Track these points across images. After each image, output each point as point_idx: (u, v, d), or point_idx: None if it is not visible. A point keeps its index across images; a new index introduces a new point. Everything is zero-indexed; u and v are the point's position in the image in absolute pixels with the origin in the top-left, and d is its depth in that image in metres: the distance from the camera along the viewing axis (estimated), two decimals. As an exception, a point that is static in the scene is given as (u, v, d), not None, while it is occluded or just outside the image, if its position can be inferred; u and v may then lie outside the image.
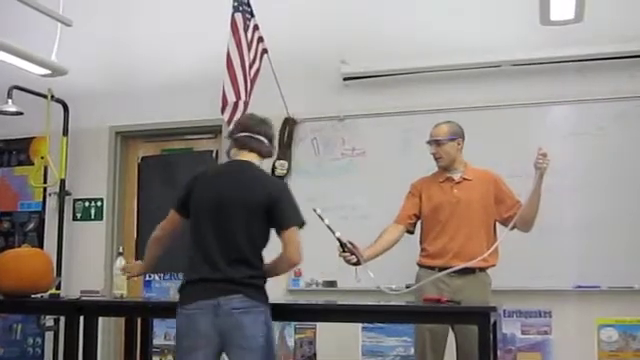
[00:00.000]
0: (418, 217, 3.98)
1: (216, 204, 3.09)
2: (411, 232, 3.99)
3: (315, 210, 3.34)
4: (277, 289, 5.09)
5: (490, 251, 3.68)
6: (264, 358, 3.00)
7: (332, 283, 5.12)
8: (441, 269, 3.75)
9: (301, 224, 3.12)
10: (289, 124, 5.38)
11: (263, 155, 3.26)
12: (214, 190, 3.13)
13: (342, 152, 5.29)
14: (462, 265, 3.63)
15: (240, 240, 3.04)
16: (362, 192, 5.10)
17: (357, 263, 3.63)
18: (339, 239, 3.54)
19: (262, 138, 3.25)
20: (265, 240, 3.15)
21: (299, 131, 5.40)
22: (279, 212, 3.08)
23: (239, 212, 3.06)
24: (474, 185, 3.90)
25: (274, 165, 5.31)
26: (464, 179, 3.93)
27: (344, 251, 3.60)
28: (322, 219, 3.37)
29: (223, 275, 3.00)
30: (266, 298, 3.09)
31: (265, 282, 3.13)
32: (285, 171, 5.31)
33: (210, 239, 3.06)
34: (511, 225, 3.69)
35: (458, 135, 3.93)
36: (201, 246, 3.08)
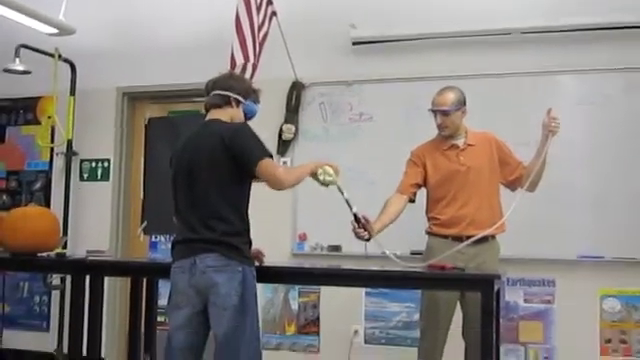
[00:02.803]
0: (420, 186, 3.95)
1: (186, 171, 3.15)
2: (413, 201, 3.95)
3: (336, 183, 3.32)
4: (281, 253, 5.13)
5: (507, 215, 3.64)
6: (237, 317, 3.00)
7: (337, 248, 5.13)
8: (454, 237, 3.75)
9: (268, 156, 3.09)
10: (297, 88, 5.35)
11: (221, 105, 3.24)
12: (184, 158, 3.18)
13: (349, 117, 5.27)
14: (485, 232, 3.62)
15: (213, 200, 3.06)
16: (369, 157, 5.09)
17: (368, 239, 3.62)
18: (355, 214, 3.51)
19: (218, 92, 3.24)
20: (242, 193, 3.14)
21: (307, 95, 5.38)
22: (240, 154, 3.05)
23: (206, 172, 3.08)
24: (478, 150, 3.88)
25: (281, 129, 5.30)
26: (468, 145, 3.90)
27: (359, 227, 3.58)
28: (342, 192, 3.34)
29: (199, 236, 3.05)
30: (245, 258, 3.08)
31: (246, 242, 3.13)
32: (292, 135, 5.30)
33: (186, 205, 3.13)
34: (526, 186, 3.68)
35: (462, 103, 3.89)
36: (180, 212, 3.16)
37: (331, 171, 3.27)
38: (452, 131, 3.89)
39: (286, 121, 5.33)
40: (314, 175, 3.28)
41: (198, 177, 3.11)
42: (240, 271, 3.03)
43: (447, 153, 3.91)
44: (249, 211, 3.20)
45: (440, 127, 3.89)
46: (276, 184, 3.07)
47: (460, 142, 3.92)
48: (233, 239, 3.05)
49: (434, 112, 3.88)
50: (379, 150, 5.06)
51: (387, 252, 3.55)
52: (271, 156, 3.12)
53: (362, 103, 5.24)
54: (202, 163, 3.10)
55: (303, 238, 5.28)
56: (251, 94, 3.32)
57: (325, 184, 3.28)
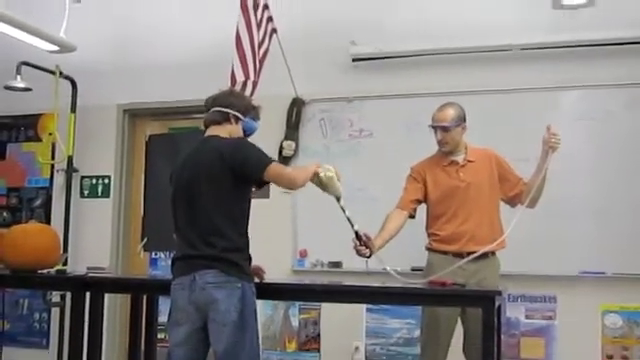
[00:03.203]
0: (420, 202, 3.95)
1: (186, 187, 3.16)
2: (413, 217, 3.95)
3: (338, 201, 3.34)
4: (282, 269, 5.13)
5: (508, 232, 3.64)
6: (237, 333, 3.00)
7: (337, 264, 5.13)
8: (455, 254, 3.75)
9: (271, 161, 3.12)
10: (297, 105, 5.37)
11: (220, 122, 3.26)
12: (183, 174, 3.19)
13: (350, 133, 5.28)
14: (486, 248, 3.63)
15: (213, 216, 3.07)
16: (370, 174, 5.10)
17: (369, 256, 3.62)
18: (357, 232, 3.52)
19: (218, 108, 3.26)
20: (241, 209, 3.16)
21: (307, 112, 5.39)
22: (243, 165, 3.08)
23: (206, 188, 3.09)
24: (478, 167, 3.89)
25: (281, 145, 5.32)
26: (468, 161, 3.91)
27: (360, 244, 3.58)
28: (344, 211, 3.37)
29: (199, 252, 3.06)
30: (245, 274, 3.09)
31: (246, 258, 3.14)
32: (292, 152, 5.32)
33: (185, 222, 3.14)
34: (526, 202, 3.70)
35: (462, 119, 3.90)
36: (179, 229, 3.17)
37: (331, 167, 3.29)
38: (452, 147, 3.89)
39: (286, 137, 5.35)
40: (316, 177, 3.26)
41: (197, 193, 3.11)
42: (239, 287, 3.03)
43: (447, 169, 3.91)
44: (249, 227, 3.21)
45: (440, 143, 3.90)
46: (290, 183, 3.17)
47: (460, 158, 3.92)
48: (233, 255, 3.06)
49: (434, 128, 3.89)
50: (379, 166, 5.07)
51: (388, 268, 3.56)
52: (275, 161, 3.17)
53: (362, 119, 5.26)
54: (201, 179, 3.11)
55: (304, 254, 5.28)
56: (250, 111, 3.34)
57: (326, 184, 3.24)
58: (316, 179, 3.24)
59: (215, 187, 3.08)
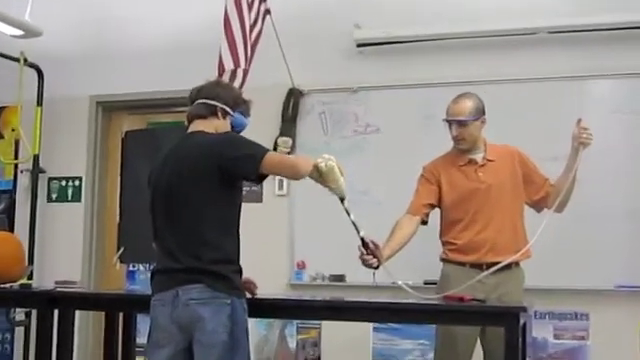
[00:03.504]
0: (434, 206, 3.96)
1: (166, 190, 3.15)
2: (425, 223, 3.95)
3: (342, 203, 3.31)
4: (277, 283, 5.13)
5: (534, 240, 3.64)
6: (226, 356, 2.98)
7: (340, 277, 5.14)
8: (473, 265, 3.76)
9: (267, 150, 3.11)
10: (294, 96, 5.38)
11: (206, 116, 3.26)
12: (163, 175, 3.18)
13: (354, 129, 5.30)
14: (509, 260, 3.63)
15: (198, 222, 3.06)
16: (376, 174, 5.12)
17: (377, 267, 3.61)
18: (363, 239, 3.50)
19: (203, 101, 3.26)
20: (230, 214, 3.15)
21: (305, 104, 5.41)
22: (236, 160, 3.05)
23: (189, 190, 3.08)
24: (500, 166, 3.89)
25: (276, 142, 5.32)
26: (488, 160, 3.91)
27: (367, 253, 3.57)
28: (348, 214, 3.33)
29: (182, 264, 3.05)
30: (235, 289, 3.08)
31: (236, 270, 3.13)
32: (288, 149, 5.32)
33: (166, 229, 3.13)
34: (554, 206, 3.70)
35: (481, 112, 3.89)
36: (160, 237, 3.17)
37: (333, 157, 3.23)
38: (470, 144, 3.90)
39: (282, 133, 5.36)
40: (315, 169, 3.21)
41: (180, 197, 3.11)
42: (229, 304, 3.03)
43: (464, 169, 3.91)
44: (239, 235, 3.21)
45: (456, 139, 3.89)
46: (293, 171, 3.14)
47: (479, 157, 3.92)
48: (221, 267, 3.05)
49: (449, 123, 3.88)
50: (387, 166, 5.09)
51: (398, 282, 3.55)
52: (270, 150, 3.15)
53: (368, 113, 5.27)
54: (184, 180, 3.10)
55: (302, 266, 5.30)
56: (240, 105, 3.34)
57: (326, 174, 3.16)
58: (315, 173, 3.18)
59: (200, 189, 3.08)
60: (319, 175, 3.14)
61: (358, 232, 3.45)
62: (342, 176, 3.19)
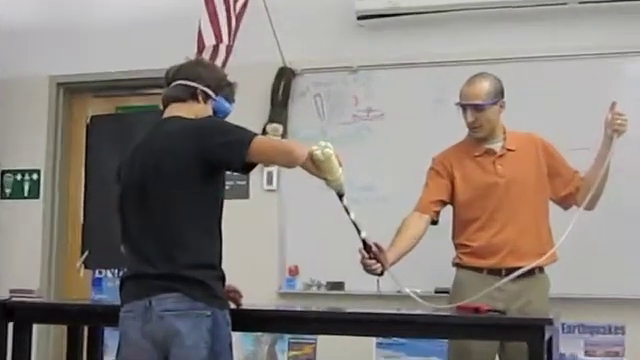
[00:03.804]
0: (446, 203, 3.96)
1: (138, 184, 3.14)
2: (436, 223, 3.95)
3: (341, 199, 3.29)
4: (266, 291, 5.14)
5: (561, 242, 3.64)
6: None
7: (338, 285, 5.15)
8: (491, 271, 3.77)
9: (254, 135, 3.09)
10: (285, 76, 5.38)
11: (184, 99, 3.26)
12: (135, 167, 3.18)
13: (354, 114, 5.32)
14: (532, 264, 3.65)
15: (174, 221, 3.06)
16: (380, 167, 5.13)
17: (380, 273, 3.60)
18: (364, 240, 3.47)
19: (182, 82, 3.26)
20: (211, 212, 3.15)
21: (298, 85, 5.42)
22: (218, 149, 3.03)
23: (165, 185, 3.07)
24: (521, 157, 3.89)
25: (264, 130, 5.32)
26: (508, 150, 3.91)
27: (370, 257, 3.55)
28: (348, 212, 3.31)
29: (156, 269, 3.04)
30: (216, 298, 3.08)
31: (218, 277, 3.13)
32: (279, 138, 5.31)
33: (138, 230, 3.13)
34: (584, 203, 3.71)
35: (500, 94, 3.89)
36: (130, 239, 3.17)
37: (330, 144, 3.19)
38: (487, 131, 3.89)
39: (271, 120, 5.36)
40: (309, 159, 3.18)
41: (153, 192, 3.10)
42: (209, 315, 3.03)
43: (481, 160, 3.91)
44: (222, 236, 3.21)
45: (471, 126, 3.89)
46: (288, 156, 3.07)
47: (497, 146, 3.92)
48: (200, 273, 3.05)
49: (463, 107, 3.88)
50: (393, 157, 5.11)
51: (406, 290, 3.56)
52: (258, 134, 3.12)
53: (370, 96, 5.28)
54: (159, 173, 3.10)
55: (294, 272, 5.31)
56: (224, 87, 3.33)
57: (323, 162, 3.13)
58: (309, 163, 3.14)
59: (178, 183, 3.07)
60: (314, 165, 3.10)
61: (359, 233, 3.42)
62: (341, 167, 3.16)
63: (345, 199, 3.25)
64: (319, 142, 3.10)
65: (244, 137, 3.03)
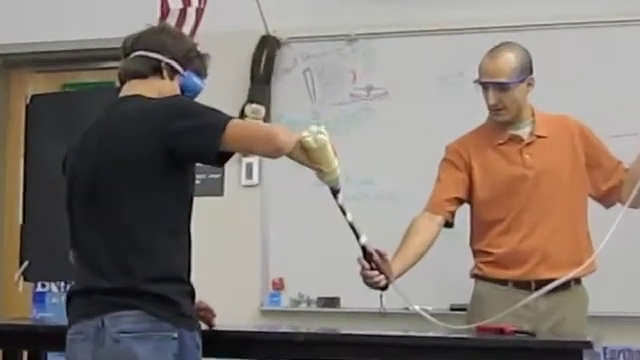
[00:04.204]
0: (462, 202, 3.95)
1: (89, 179, 3.12)
2: (450, 225, 3.94)
3: (336, 197, 3.26)
4: (245, 309, 5.14)
5: (601, 247, 3.62)
6: None
7: (332, 301, 5.15)
8: (518, 283, 3.77)
9: (230, 119, 3.06)
10: (268, 47, 5.38)
11: (146, 74, 3.25)
12: (84, 158, 3.16)
13: (352, 93, 5.32)
14: (568, 276, 3.64)
15: (133, 224, 3.04)
16: (383, 157, 5.13)
17: (384, 287, 3.59)
18: (364, 247, 3.44)
19: (142, 53, 3.25)
20: (178, 213, 3.12)
21: (284, 58, 5.42)
22: (185, 135, 3.01)
23: (121, 180, 3.06)
24: (553, 144, 3.88)
25: (243, 112, 5.31)
26: (537, 137, 3.89)
27: (371, 267, 3.52)
28: (344, 212, 3.29)
29: (110, 283, 3.02)
30: (183, 317, 3.07)
31: (186, 291, 3.12)
32: (260, 121, 5.30)
33: (88, 235, 3.11)
34: (630, 200, 3.68)
35: (528, 69, 3.87)
36: (80, 246, 3.16)
37: (323, 130, 3.15)
38: (512, 114, 3.87)
39: (250, 100, 5.36)
40: (298, 147, 3.15)
41: (108, 188, 3.08)
42: (176, 338, 3.02)
43: (505, 150, 3.90)
44: (191, 242, 3.21)
45: (494, 109, 3.87)
46: (271, 143, 3.00)
47: (524, 132, 3.91)
48: (164, 287, 3.04)
49: (484, 86, 3.87)
50: (398, 145, 5.11)
51: (415, 307, 3.55)
52: (235, 117, 3.09)
53: (371, 70, 5.30)
54: (115, 165, 3.08)
55: (279, 286, 5.31)
56: (194, 60, 3.32)
57: (315, 150, 3.10)
58: (298, 152, 3.11)
59: (137, 177, 3.06)
60: (305, 155, 3.07)
61: (358, 238, 3.40)
62: (336, 156, 3.13)
63: (341, 196, 3.24)
64: (311, 127, 3.07)
65: (217, 121, 3.00)
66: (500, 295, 3.78)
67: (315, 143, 3.01)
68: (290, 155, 3.04)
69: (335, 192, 3.21)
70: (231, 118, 3.01)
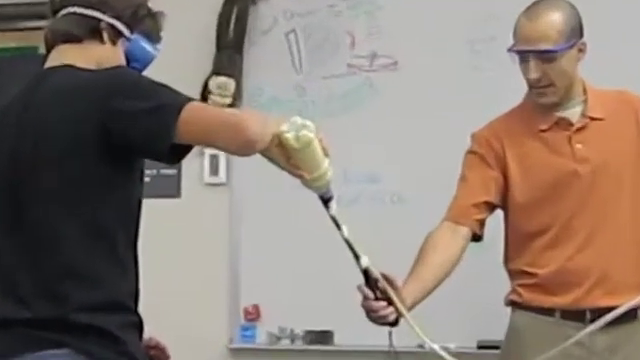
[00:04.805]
0: (494, 207, 3.92)
1: (6, 177, 3.11)
2: (479, 238, 3.91)
3: (327, 206, 3.21)
4: (210, 345, 5.16)
5: None
6: None
7: (324, 336, 5.16)
8: (568, 313, 3.77)
9: (187, 101, 3.02)
10: (239, 2, 5.39)
11: (80, 38, 3.25)
12: (1, 148, 3.16)
13: (350, 62, 5.35)
14: (632, 303, 3.62)
15: (63, 237, 3.05)
16: (391, 147, 5.15)
17: (394, 322, 3.52)
18: (366, 272, 3.37)
19: (76, 10, 3.25)
20: (124, 210, 3.14)
21: (261, 17, 5.44)
22: (130, 121, 3.01)
23: (48, 178, 3.07)
24: (612, 129, 3.86)
25: (206, 86, 5.33)
26: (591, 119, 3.88)
27: (375, 297, 3.43)
28: (338, 226, 3.24)
29: (35, 313, 3.03)
30: (128, 356, 3.09)
31: (132, 323, 3.12)
32: (229, 99, 5.34)
33: (8, 251, 3.10)
34: None
35: (578, 32, 3.86)
36: None
37: (308, 123, 3.10)
38: (561, 93, 3.87)
39: (216, 71, 5.37)
40: (274, 142, 3.12)
41: (28, 186, 3.08)
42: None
43: (549, 138, 3.89)
44: (138, 258, 3.22)
45: (536, 85, 3.85)
46: (238, 135, 2.95)
47: (574, 113, 3.90)
48: (103, 318, 3.04)
49: (522, 55, 3.87)
50: (410, 131, 5.12)
51: (434, 346, 3.55)
52: (195, 100, 3.06)
53: (375, 33, 5.32)
54: (39, 157, 3.09)
55: (253, 316, 5.33)
56: (143, 21, 3.34)
57: (297, 150, 3.08)
58: (275, 150, 3.08)
59: (67, 179, 3.06)
60: (283, 154, 3.04)
61: (357, 259, 3.33)
62: (327, 156, 3.09)
63: (334, 205, 3.19)
64: (293, 118, 2.99)
65: (171, 103, 2.95)
66: (545, 329, 3.77)
67: (297, 142, 2.95)
68: (264, 153, 2.99)
69: (326, 201, 3.15)
70: (190, 100, 2.94)
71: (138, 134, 2.94)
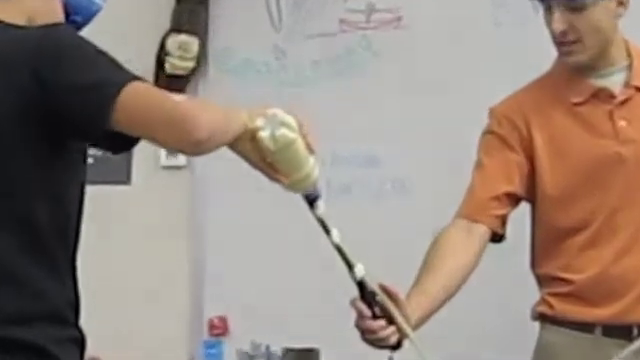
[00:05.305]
0: (519, 199, 3.92)
1: None
2: (499, 238, 3.90)
3: (312, 206, 3.18)
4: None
5: None
6: None
7: (308, 355, 5.20)
8: (610, 329, 3.79)
9: (132, 79, 2.98)
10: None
11: None
12: None
13: (342, 17, 5.39)
14: None
15: None
16: (393, 123, 5.18)
17: (396, 345, 3.46)
18: (361, 284, 3.33)
19: None
20: (62, 201, 3.16)
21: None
22: (65, 96, 3.02)
23: None
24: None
25: (163, 47, 5.35)
26: (637, 89, 3.89)
27: (373, 314, 3.37)
28: (327, 230, 3.22)
29: None
30: None
31: (72, 338, 3.15)
32: (191, 63, 5.37)
33: None
34: None
35: None
36: None
37: (289, 118, 3.07)
38: (593, 52, 3.85)
39: (176, 28, 5.40)
40: (246, 138, 3.12)
41: None
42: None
43: (585, 113, 3.89)
44: (77, 260, 3.25)
45: (561, 40, 3.82)
46: (186, 129, 2.87)
47: (616, 82, 3.90)
48: (36, 331, 3.09)
49: (547, 4, 3.86)
50: (417, 104, 5.16)
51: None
52: (141, 78, 3.03)
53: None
54: None
55: (220, 330, 5.37)
56: None
57: (274, 152, 3.08)
58: (244, 144, 3.07)
59: (9, 162, 3.10)
60: (257, 151, 3.01)
61: (350, 269, 3.31)
62: (312, 154, 3.05)
63: (322, 205, 3.19)
64: (270, 110, 2.98)
65: (110, 82, 2.93)
66: (582, 347, 3.81)
67: (273, 144, 2.95)
68: (232, 148, 3.00)
69: (312, 201, 3.17)
70: (134, 79, 2.91)
71: (67, 114, 2.95)
